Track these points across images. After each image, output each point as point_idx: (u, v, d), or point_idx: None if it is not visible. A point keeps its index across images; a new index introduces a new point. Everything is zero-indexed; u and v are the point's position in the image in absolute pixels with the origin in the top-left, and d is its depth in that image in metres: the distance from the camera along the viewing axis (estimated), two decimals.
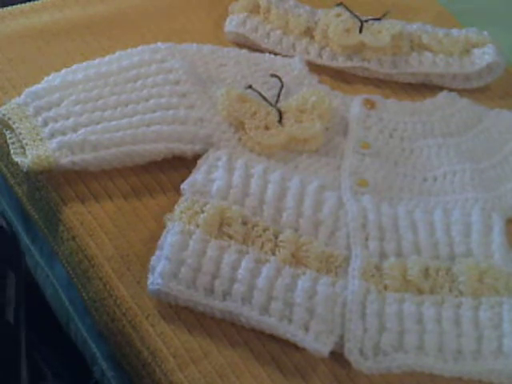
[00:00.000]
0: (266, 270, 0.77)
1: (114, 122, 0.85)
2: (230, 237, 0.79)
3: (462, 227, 0.85)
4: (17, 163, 0.83)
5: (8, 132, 0.85)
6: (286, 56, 1.01)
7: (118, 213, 0.84)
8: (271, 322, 0.75)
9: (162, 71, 0.91)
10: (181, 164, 0.87)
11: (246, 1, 1.06)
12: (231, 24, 1.05)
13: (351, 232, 0.83)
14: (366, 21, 1.04)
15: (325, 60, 1.03)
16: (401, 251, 0.82)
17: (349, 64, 1.03)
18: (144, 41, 0.97)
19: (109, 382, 0.87)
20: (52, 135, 0.84)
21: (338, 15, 1.04)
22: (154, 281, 0.76)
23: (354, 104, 0.96)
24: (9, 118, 0.84)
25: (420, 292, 0.79)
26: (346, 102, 0.96)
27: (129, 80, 0.90)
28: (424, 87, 1.04)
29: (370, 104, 0.96)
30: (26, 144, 0.83)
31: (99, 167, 0.85)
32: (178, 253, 0.77)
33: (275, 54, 1.01)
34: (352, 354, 0.75)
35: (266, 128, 0.89)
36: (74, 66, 0.91)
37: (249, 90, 0.91)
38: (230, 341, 0.76)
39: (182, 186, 0.84)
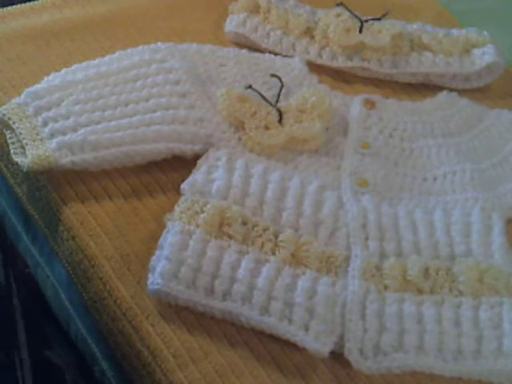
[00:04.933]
0: (265, 270, 0.77)
1: (113, 122, 0.85)
2: (230, 237, 0.79)
3: (462, 227, 0.85)
4: (17, 163, 0.83)
5: (8, 132, 0.85)
6: (286, 56, 1.01)
7: (117, 213, 0.84)
8: (271, 322, 0.75)
9: (162, 71, 0.91)
10: (181, 164, 0.87)
11: (246, 1, 1.06)
12: (231, 24, 1.05)
13: (351, 232, 0.83)
14: (366, 21, 1.04)
15: (325, 60, 1.03)
16: (401, 251, 0.82)
17: (349, 64, 1.03)
18: (144, 41, 0.97)
19: (109, 382, 0.87)
20: (52, 135, 0.84)
21: (338, 15, 1.04)
22: (154, 281, 0.76)
23: (354, 104, 0.96)
24: (9, 118, 0.84)
25: (420, 292, 0.79)
26: (346, 102, 0.96)
27: (129, 80, 0.90)
28: (424, 87, 1.03)
29: (370, 104, 0.96)
30: (26, 144, 0.83)
31: (99, 167, 0.85)
32: (178, 253, 0.77)
33: (275, 54, 1.01)
34: (352, 354, 0.75)
35: (266, 128, 0.89)
36: (74, 66, 0.91)
37: (249, 90, 0.91)
38: (230, 341, 0.76)
39: (182, 186, 0.84)
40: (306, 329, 0.75)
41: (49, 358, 1.06)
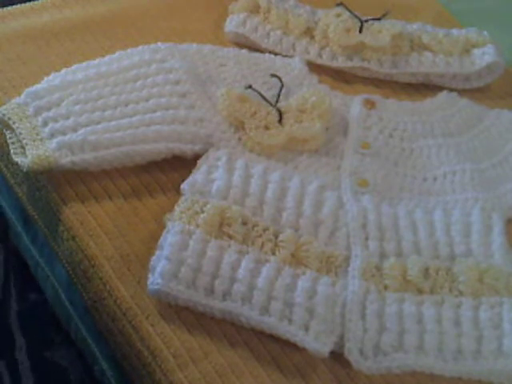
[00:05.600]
0: (266, 270, 0.77)
1: (113, 122, 0.85)
2: (230, 237, 0.79)
3: (461, 227, 0.85)
4: (17, 163, 0.83)
5: (8, 132, 0.85)
6: (286, 56, 1.01)
7: (117, 213, 0.84)
8: (271, 322, 0.75)
9: (162, 71, 0.91)
10: (181, 164, 0.87)
11: (246, 1, 1.06)
12: (231, 24, 1.05)
13: (351, 232, 0.83)
14: (366, 21, 1.04)
15: (325, 60, 1.03)
16: (401, 251, 0.82)
17: (349, 64, 1.03)
18: (144, 41, 0.97)
19: (109, 382, 0.88)
20: (52, 135, 0.84)
21: (338, 15, 1.04)
22: (154, 281, 0.76)
23: (354, 104, 0.96)
24: (9, 118, 0.84)
25: (420, 292, 0.79)
26: (346, 102, 0.96)
27: (129, 80, 0.90)
28: (424, 87, 1.04)
29: (370, 104, 0.96)
30: (26, 144, 0.83)
31: (99, 167, 0.85)
32: (178, 253, 0.77)
33: (275, 54, 1.01)
34: (352, 354, 0.75)
35: (266, 128, 0.89)
36: (74, 66, 0.91)
37: (249, 90, 0.91)
38: (230, 341, 0.76)
39: (182, 186, 0.84)
40: (306, 329, 0.75)
41: (51, 359, 1.06)
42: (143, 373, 0.76)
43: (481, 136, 0.95)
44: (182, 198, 0.82)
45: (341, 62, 1.03)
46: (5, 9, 1.04)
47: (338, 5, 1.05)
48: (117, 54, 0.94)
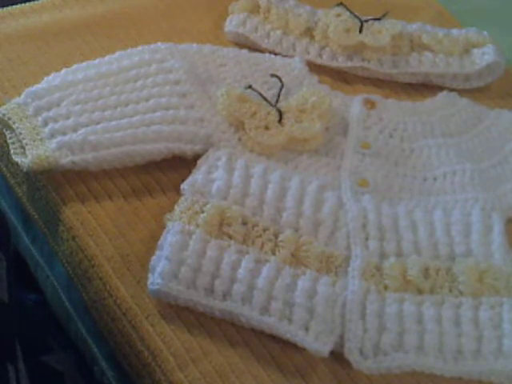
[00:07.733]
0: (266, 270, 0.78)
1: (113, 122, 0.85)
2: (230, 237, 0.79)
3: (461, 227, 0.85)
4: (17, 163, 0.83)
5: (8, 132, 0.85)
6: (286, 56, 1.01)
7: (117, 213, 0.84)
8: (271, 322, 0.75)
9: (162, 71, 0.91)
10: (181, 164, 0.87)
11: (246, 1, 1.06)
12: (231, 24, 1.05)
13: (351, 232, 0.83)
14: (366, 21, 1.04)
15: (325, 60, 1.03)
16: (401, 251, 0.82)
17: (349, 64, 1.03)
18: (144, 41, 0.97)
19: (109, 382, 0.87)
20: (52, 135, 0.84)
21: (338, 15, 1.04)
22: (154, 281, 0.76)
23: (354, 104, 0.96)
24: (9, 118, 0.85)
25: (420, 292, 0.79)
26: (345, 102, 0.96)
27: (129, 80, 0.90)
28: (424, 87, 1.04)
29: (370, 104, 0.96)
30: (26, 144, 0.83)
31: (99, 167, 0.85)
32: (178, 253, 0.77)
33: (275, 54, 1.01)
34: (352, 354, 0.75)
35: (266, 128, 0.89)
36: (74, 66, 0.91)
37: (249, 90, 0.91)
38: (230, 341, 0.76)
39: (182, 186, 0.84)
40: (306, 329, 0.75)
41: (47, 364, 1.05)
42: (143, 373, 0.76)
43: (481, 136, 0.95)
44: (182, 198, 0.82)
45: (341, 62, 1.03)
46: (5, 9, 1.04)
47: (338, 5, 1.05)
48: (117, 53, 0.94)
